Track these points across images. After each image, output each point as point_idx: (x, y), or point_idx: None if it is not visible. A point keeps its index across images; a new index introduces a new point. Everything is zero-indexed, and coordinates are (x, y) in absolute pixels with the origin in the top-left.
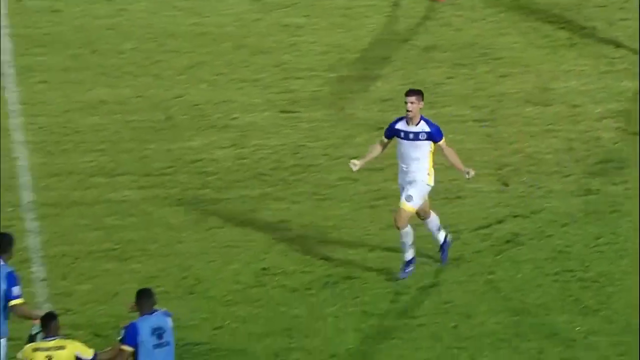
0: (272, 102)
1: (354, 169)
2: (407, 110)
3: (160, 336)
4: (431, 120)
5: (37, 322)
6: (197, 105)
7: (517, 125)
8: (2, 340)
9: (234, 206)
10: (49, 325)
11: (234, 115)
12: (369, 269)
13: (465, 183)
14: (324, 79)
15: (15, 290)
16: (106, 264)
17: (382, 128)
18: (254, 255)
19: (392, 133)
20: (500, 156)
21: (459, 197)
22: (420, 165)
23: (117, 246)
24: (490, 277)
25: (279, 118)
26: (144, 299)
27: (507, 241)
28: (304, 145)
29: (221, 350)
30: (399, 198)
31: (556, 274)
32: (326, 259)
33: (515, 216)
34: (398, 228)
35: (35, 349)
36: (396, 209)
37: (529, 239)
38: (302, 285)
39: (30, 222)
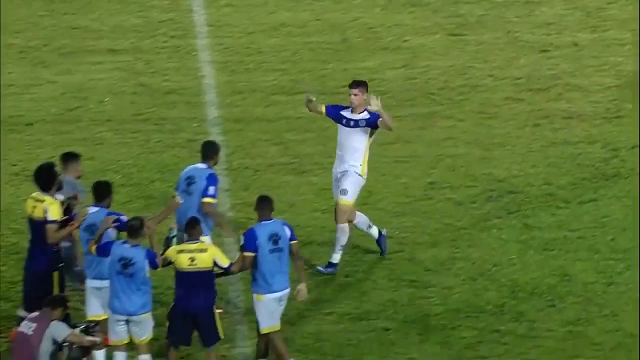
0: (441, 25)
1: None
2: (351, 102)
3: (276, 242)
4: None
5: (175, 226)
6: (372, 28)
7: None
8: (207, 238)
9: (404, 123)
10: (193, 229)
11: (406, 38)
12: (531, 184)
13: (625, 103)
14: (491, 3)
15: (211, 189)
16: (285, 176)
17: (545, 51)
18: (422, 170)
19: (335, 116)
20: None
21: (618, 117)
22: (355, 155)
23: (295, 160)
24: None
25: (448, 40)
26: (263, 206)
27: None
28: (471, 67)
29: (390, 258)
30: (563, 117)
31: None
32: (490, 174)
33: None
34: (336, 222)
35: (180, 251)
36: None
37: None
38: (467, 199)
39: (215, 136)
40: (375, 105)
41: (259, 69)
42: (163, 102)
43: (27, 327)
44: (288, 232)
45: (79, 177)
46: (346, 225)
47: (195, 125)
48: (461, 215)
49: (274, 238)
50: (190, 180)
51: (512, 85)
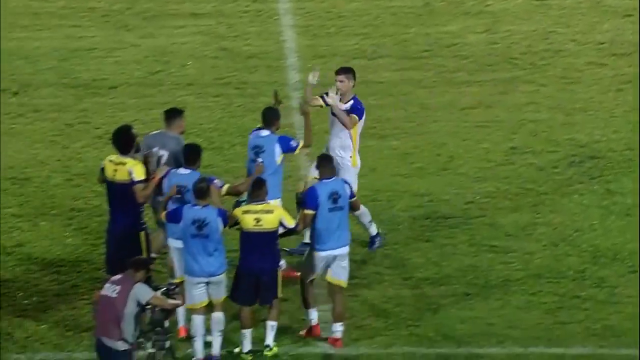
0: None
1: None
2: (337, 88)
3: (335, 200)
4: (361, 101)
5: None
6: None
7: None
8: (277, 201)
9: (486, 88)
10: (259, 190)
11: (488, 2)
12: (613, 150)
13: None
14: None
15: (293, 143)
16: (366, 140)
17: (629, 15)
18: (503, 135)
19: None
20: None
21: None
22: (343, 146)
23: (376, 124)
24: None
25: (531, 5)
26: (324, 164)
27: None
28: (554, 31)
29: (471, 223)
30: None
31: None
32: (572, 139)
33: None
34: (353, 212)
35: (245, 212)
36: None
37: None
38: (548, 164)
39: (296, 100)
40: (331, 98)
41: (340, 33)
42: (244, 66)
43: (110, 290)
44: (348, 191)
45: (182, 133)
46: (362, 207)
47: (276, 89)
48: (543, 181)
49: (334, 196)
50: (258, 150)
51: (595, 50)
